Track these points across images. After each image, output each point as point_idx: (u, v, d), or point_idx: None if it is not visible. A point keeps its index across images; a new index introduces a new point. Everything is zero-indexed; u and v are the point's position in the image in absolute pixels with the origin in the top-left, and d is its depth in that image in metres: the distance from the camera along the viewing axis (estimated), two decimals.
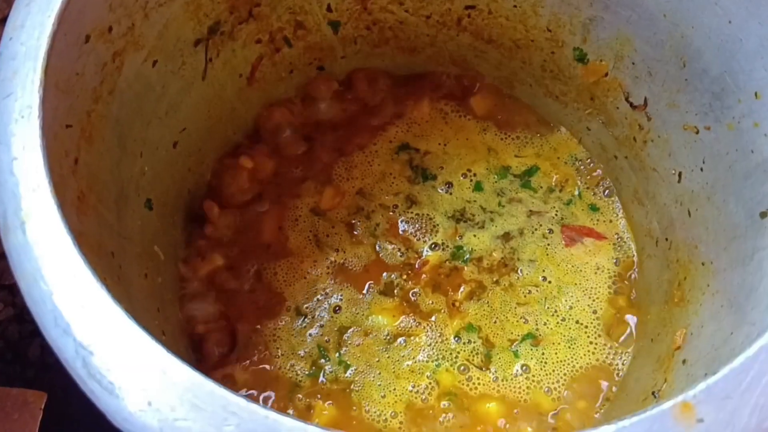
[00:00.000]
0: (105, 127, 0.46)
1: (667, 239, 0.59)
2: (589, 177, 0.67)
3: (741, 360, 0.32)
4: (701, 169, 0.54)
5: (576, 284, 0.62)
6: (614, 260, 0.63)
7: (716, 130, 0.51)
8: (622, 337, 0.60)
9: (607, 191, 0.66)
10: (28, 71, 0.36)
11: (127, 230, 0.50)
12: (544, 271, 0.62)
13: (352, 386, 0.57)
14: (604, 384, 0.58)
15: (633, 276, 0.63)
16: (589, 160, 0.67)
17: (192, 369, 0.31)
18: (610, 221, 0.65)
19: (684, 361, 0.50)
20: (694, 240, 0.55)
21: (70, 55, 0.41)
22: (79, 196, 0.42)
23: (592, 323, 0.60)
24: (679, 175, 0.57)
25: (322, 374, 0.58)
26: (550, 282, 0.62)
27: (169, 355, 0.31)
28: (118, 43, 0.46)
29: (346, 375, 0.58)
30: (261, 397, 0.57)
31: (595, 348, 0.59)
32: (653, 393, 0.52)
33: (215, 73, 0.59)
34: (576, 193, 0.66)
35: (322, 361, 0.58)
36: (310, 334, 0.59)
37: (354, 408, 0.57)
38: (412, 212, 0.64)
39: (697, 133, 0.53)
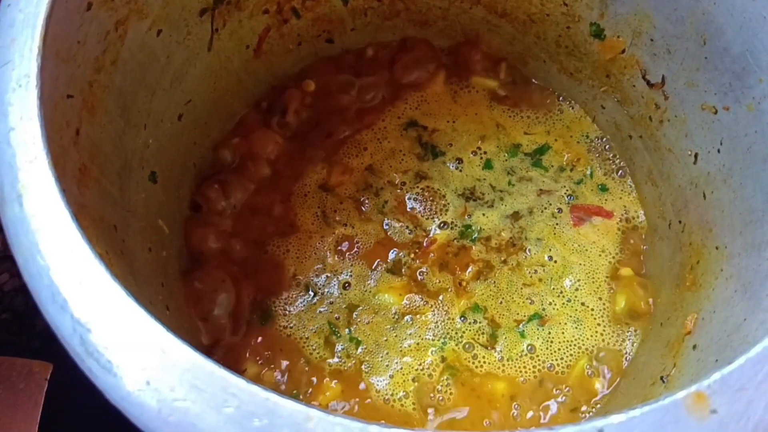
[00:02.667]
0: (108, 98, 0.45)
1: (680, 222, 0.58)
2: (601, 156, 0.65)
3: (758, 350, 0.31)
4: (718, 151, 0.52)
5: (581, 264, 0.61)
6: (623, 242, 0.62)
7: (735, 111, 0.50)
8: (631, 320, 0.59)
9: (620, 171, 0.65)
10: (26, 39, 0.35)
11: (130, 203, 0.49)
12: (550, 250, 0.61)
13: (363, 365, 0.57)
14: (612, 366, 0.58)
15: (643, 258, 0.62)
16: (602, 139, 0.66)
17: (192, 349, 0.30)
18: (620, 198, 0.64)
19: (694, 347, 0.49)
20: (709, 223, 0.54)
21: (71, 23, 0.40)
22: (81, 168, 0.41)
23: (597, 305, 0.59)
24: (696, 156, 0.55)
25: (334, 350, 0.57)
26: (555, 262, 0.61)
27: (168, 334, 0.30)
28: (122, 11, 0.45)
29: (357, 352, 0.57)
30: (275, 372, 0.57)
31: (603, 329, 0.59)
32: (662, 378, 0.51)
33: (221, 44, 0.57)
34: (588, 172, 0.65)
35: (334, 337, 0.58)
36: (320, 311, 0.59)
37: (364, 386, 0.56)
38: (421, 189, 0.63)
39: (716, 113, 0.52)
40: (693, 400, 0.29)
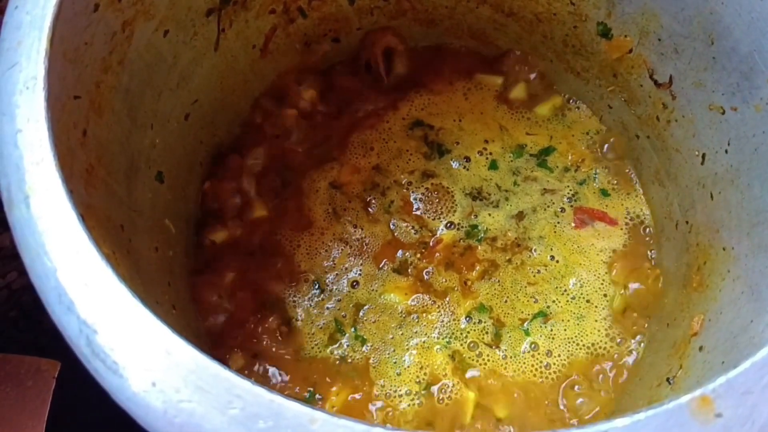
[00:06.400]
0: (115, 99, 0.46)
1: (687, 222, 0.58)
2: (608, 157, 0.65)
3: (763, 354, 0.30)
4: (726, 151, 0.52)
5: (582, 264, 0.61)
6: (626, 243, 0.62)
7: (743, 111, 0.50)
8: (637, 321, 0.59)
9: (627, 172, 0.65)
10: (33, 41, 0.35)
11: (137, 203, 0.50)
12: (552, 249, 0.61)
13: (369, 362, 0.57)
14: (617, 367, 0.58)
15: (650, 258, 0.62)
16: (609, 139, 0.66)
17: (197, 350, 0.30)
18: (624, 201, 0.64)
19: (701, 348, 0.49)
20: (716, 224, 0.53)
21: (78, 24, 0.40)
22: (88, 168, 0.41)
23: (601, 304, 0.59)
24: (703, 156, 0.55)
25: (339, 347, 0.58)
26: (557, 261, 0.61)
27: (173, 335, 0.30)
28: (128, 12, 0.45)
29: (363, 349, 0.58)
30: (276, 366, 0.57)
31: (606, 330, 0.59)
32: (668, 379, 0.51)
33: (228, 44, 0.58)
34: (593, 173, 0.64)
35: (339, 335, 0.58)
36: (328, 307, 0.59)
37: (371, 385, 0.56)
38: (426, 189, 0.63)
39: (723, 113, 0.51)
40: (698, 404, 0.29)
